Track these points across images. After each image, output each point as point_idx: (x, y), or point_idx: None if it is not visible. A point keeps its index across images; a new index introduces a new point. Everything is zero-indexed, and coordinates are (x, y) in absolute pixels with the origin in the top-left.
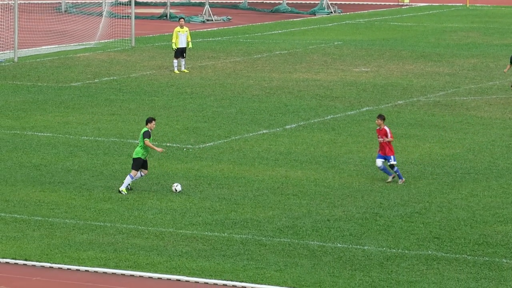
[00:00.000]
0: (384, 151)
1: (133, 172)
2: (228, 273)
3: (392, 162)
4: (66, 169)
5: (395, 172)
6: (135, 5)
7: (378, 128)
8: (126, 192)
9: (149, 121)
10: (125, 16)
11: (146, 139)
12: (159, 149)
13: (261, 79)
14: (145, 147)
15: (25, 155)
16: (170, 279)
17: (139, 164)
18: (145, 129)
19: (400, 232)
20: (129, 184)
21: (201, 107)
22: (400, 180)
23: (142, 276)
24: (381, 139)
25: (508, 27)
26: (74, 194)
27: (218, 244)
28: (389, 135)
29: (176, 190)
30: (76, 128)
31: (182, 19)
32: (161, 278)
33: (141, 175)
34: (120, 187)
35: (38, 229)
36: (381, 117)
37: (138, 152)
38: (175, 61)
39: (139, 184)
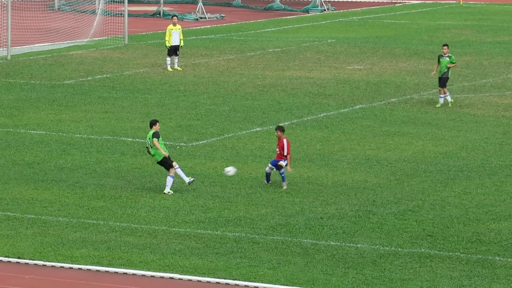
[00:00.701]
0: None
1: (171, 171)
2: (221, 271)
3: (281, 162)
4: (59, 167)
5: (281, 174)
6: (128, 3)
7: (278, 139)
8: (172, 192)
9: (153, 123)
10: (118, 13)
11: (154, 138)
12: (165, 153)
13: (254, 77)
14: (157, 149)
15: (18, 153)
16: (163, 277)
17: (167, 161)
18: (152, 131)
19: (393, 230)
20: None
21: (194, 105)
22: (283, 182)
23: (135, 274)
24: (278, 151)
25: (501, 25)
26: (67, 192)
27: (211, 242)
28: (285, 149)
29: (228, 172)
30: (69, 126)
31: (175, 17)
32: (154, 276)
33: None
34: (164, 190)
35: (31, 227)
36: (280, 128)
37: (156, 155)
38: (168, 59)
39: (132, 182)
